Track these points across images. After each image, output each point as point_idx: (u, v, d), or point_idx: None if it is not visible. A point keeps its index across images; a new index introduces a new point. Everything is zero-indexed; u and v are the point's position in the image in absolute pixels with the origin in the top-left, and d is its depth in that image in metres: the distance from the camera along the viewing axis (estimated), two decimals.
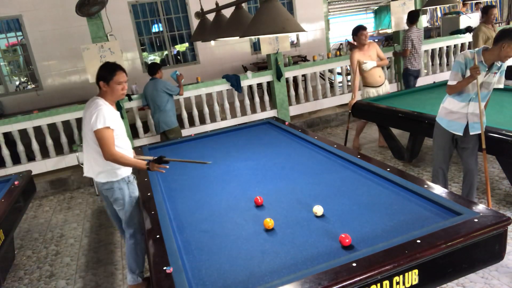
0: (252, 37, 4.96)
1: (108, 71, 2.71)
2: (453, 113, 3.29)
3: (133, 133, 5.92)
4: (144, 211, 2.52)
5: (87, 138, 2.79)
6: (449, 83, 3.22)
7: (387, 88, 5.39)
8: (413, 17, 6.06)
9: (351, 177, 2.68)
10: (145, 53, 8.61)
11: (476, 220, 1.85)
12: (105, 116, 2.66)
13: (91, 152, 2.81)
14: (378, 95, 5.19)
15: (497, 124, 3.41)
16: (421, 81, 7.07)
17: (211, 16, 3.87)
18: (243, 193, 2.66)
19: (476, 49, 3.15)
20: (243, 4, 3.08)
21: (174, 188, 2.92)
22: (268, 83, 6.66)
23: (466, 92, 3.19)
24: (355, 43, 5.21)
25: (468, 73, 3.08)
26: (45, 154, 5.69)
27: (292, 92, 6.82)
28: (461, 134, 3.28)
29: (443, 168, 3.50)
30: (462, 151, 3.39)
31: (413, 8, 6.95)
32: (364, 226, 2.02)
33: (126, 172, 2.88)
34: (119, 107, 5.54)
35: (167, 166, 2.79)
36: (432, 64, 7.69)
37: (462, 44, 7.88)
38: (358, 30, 5.06)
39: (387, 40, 11.22)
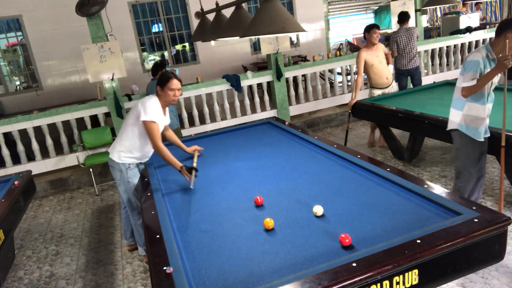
0: (252, 37, 4.95)
1: (164, 79, 3.17)
2: (479, 119, 3.11)
3: None
4: (144, 211, 2.51)
5: (128, 119, 3.26)
6: (466, 84, 2.97)
7: (394, 89, 5.38)
8: (401, 18, 6.01)
9: (351, 177, 2.68)
10: (145, 53, 8.61)
11: (476, 220, 1.85)
12: (155, 111, 3.13)
13: (123, 131, 3.30)
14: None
15: (497, 124, 3.40)
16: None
17: (211, 16, 3.87)
18: (243, 193, 2.65)
19: (483, 45, 3.07)
20: (243, 4, 3.08)
21: (174, 188, 2.92)
22: (268, 83, 6.66)
23: (482, 92, 3.04)
24: (364, 41, 5.21)
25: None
26: (45, 154, 5.69)
27: (292, 92, 6.82)
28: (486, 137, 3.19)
29: (478, 176, 3.30)
30: (480, 156, 3.26)
31: (413, 8, 6.95)
32: (364, 226, 2.02)
33: (129, 160, 3.30)
34: (119, 107, 5.54)
35: (192, 176, 2.93)
36: (432, 64, 7.69)
37: (462, 44, 7.88)
38: (372, 28, 5.02)
39: (387, 40, 11.21)
